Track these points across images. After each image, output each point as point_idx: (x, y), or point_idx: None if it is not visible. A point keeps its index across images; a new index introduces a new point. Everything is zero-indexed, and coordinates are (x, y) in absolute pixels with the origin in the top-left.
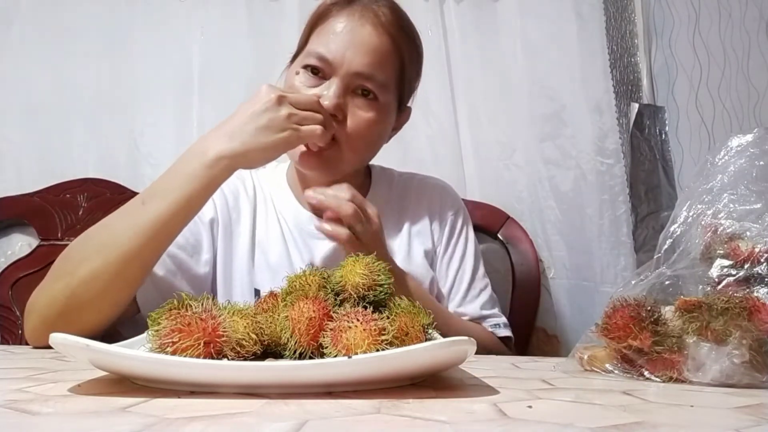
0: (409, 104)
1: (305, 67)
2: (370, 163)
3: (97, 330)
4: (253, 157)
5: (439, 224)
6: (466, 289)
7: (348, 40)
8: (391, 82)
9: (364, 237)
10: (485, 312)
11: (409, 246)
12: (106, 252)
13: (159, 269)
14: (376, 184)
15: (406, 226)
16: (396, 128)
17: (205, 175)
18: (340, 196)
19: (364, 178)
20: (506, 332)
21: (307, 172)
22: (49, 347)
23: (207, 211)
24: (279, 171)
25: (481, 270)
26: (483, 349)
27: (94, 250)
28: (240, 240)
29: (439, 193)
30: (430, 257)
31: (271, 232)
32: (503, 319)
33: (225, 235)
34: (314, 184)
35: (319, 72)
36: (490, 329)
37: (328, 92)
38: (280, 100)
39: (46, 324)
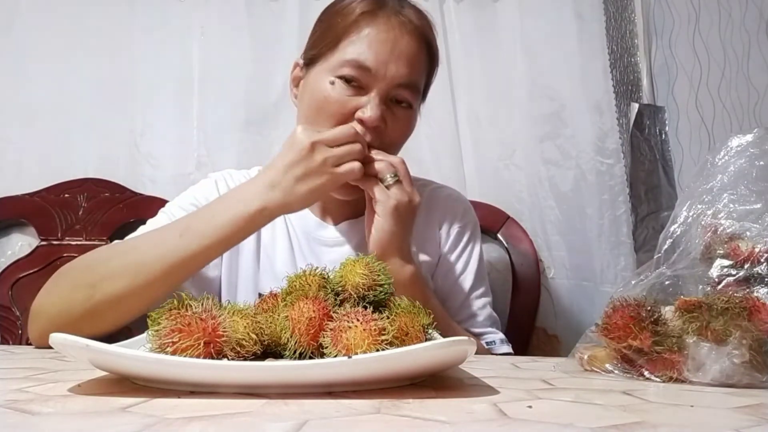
0: None
1: (340, 77)
2: None
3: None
4: (294, 206)
5: (446, 236)
6: (458, 306)
7: (389, 50)
8: (422, 87)
9: (397, 199)
10: (476, 330)
11: (414, 254)
12: (134, 275)
13: None
14: None
15: (413, 236)
16: None
17: (245, 223)
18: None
19: None
20: (505, 348)
21: (341, 195)
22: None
23: None
24: None
25: (482, 289)
26: None
27: (121, 270)
28: (246, 244)
29: (450, 206)
30: (432, 268)
31: (277, 237)
32: (500, 336)
33: None
34: (327, 196)
35: (354, 81)
36: (486, 347)
37: (371, 104)
38: (314, 147)
39: (55, 327)
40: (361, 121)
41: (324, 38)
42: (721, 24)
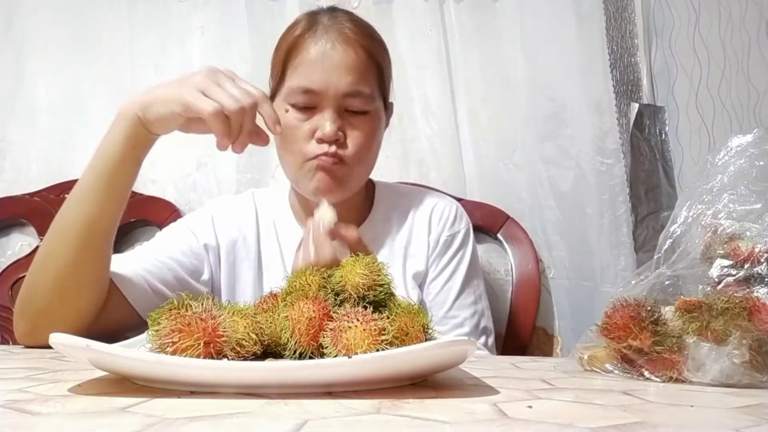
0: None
1: (292, 105)
2: (376, 180)
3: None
4: (148, 114)
5: (434, 244)
6: (442, 317)
7: (326, 66)
8: (375, 90)
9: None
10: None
11: (404, 265)
12: (46, 266)
13: (164, 287)
14: (379, 202)
15: (403, 245)
16: (386, 125)
17: (121, 138)
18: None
19: (365, 197)
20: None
21: (323, 197)
22: (47, 346)
23: (204, 235)
24: (281, 196)
25: (470, 298)
26: None
27: (48, 245)
28: (244, 265)
29: (439, 212)
30: (421, 278)
31: (272, 257)
32: (484, 352)
33: (228, 260)
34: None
35: (308, 105)
36: None
37: (323, 122)
38: (212, 73)
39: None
40: (321, 140)
41: (274, 71)
42: (721, 24)
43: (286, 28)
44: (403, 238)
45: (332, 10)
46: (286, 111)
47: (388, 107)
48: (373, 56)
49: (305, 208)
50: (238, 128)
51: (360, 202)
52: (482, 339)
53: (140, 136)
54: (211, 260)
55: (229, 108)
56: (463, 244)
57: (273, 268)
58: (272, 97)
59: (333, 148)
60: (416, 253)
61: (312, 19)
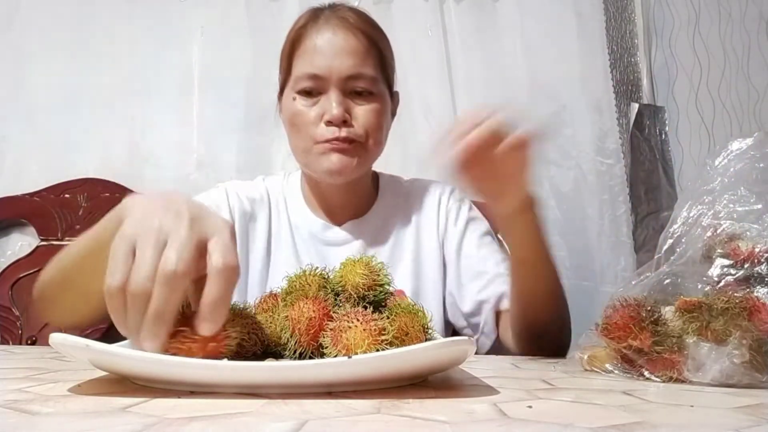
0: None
1: (299, 92)
2: (380, 172)
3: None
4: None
5: (445, 220)
6: (495, 266)
7: (328, 51)
8: (378, 73)
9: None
10: None
11: (418, 249)
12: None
13: None
14: (384, 192)
15: (413, 230)
16: (393, 114)
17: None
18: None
19: (370, 186)
20: None
21: (345, 177)
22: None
23: (219, 208)
24: (292, 180)
25: (501, 253)
26: (566, 311)
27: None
28: (256, 243)
29: (439, 192)
30: (439, 257)
31: (282, 241)
32: None
33: (241, 242)
34: (328, 189)
35: (314, 90)
36: None
37: (329, 105)
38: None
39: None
40: (329, 123)
41: (282, 66)
42: (721, 24)
43: (292, 25)
44: (412, 222)
45: (333, 5)
46: (294, 99)
47: (393, 96)
48: (373, 41)
49: (316, 195)
50: (136, 315)
51: (366, 190)
52: None
53: None
54: None
55: (132, 284)
56: (470, 209)
57: (282, 250)
58: (281, 91)
59: (344, 132)
60: (429, 234)
61: (314, 13)
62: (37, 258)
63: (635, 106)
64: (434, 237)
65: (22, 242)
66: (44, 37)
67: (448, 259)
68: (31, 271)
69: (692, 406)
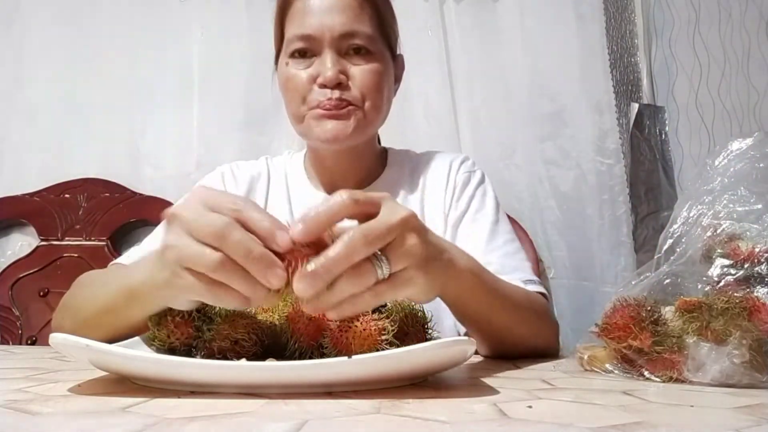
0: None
1: (292, 55)
2: (389, 147)
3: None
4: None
5: (452, 193)
6: (483, 247)
7: (319, 9)
8: (375, 31)
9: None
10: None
11: (422, 215)
12: (77, 312)
13: None
14: (391, 165)
15: (418, 203)
16: (397, 79)
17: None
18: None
19: (377, 160)
20: (537, 288)
21: (341, 144)
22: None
23: None
24: (296, 156)
25: (505, 236)
26: (534, 314)
27: (75, 304)
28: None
29: (448, 163)
30: (443, 231)
31: (278, 215)
32: (531, 276)
33: None
34: (329, 157)
35: (307, 52)
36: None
37: (323, 66)
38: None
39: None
40: (323, 85)
41: (275, 34)
42: (721, 24)
43: None
44: (417, 195)
45: None
46: (287, 64)
47: (396, 59)
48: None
49: (318, 165)
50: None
51: (372, 162)
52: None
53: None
54: None
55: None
56: (482, 181)
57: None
58: (276, 60)
59: (336, 93)
60: (434, 207)
61: None
62: (37, 258)
63: (635, 106)
64: (440, 209)
65: (22, 242)
66: (44, 37)
67: (449, 234)
68: (31, 271)
69: (692, 406)
